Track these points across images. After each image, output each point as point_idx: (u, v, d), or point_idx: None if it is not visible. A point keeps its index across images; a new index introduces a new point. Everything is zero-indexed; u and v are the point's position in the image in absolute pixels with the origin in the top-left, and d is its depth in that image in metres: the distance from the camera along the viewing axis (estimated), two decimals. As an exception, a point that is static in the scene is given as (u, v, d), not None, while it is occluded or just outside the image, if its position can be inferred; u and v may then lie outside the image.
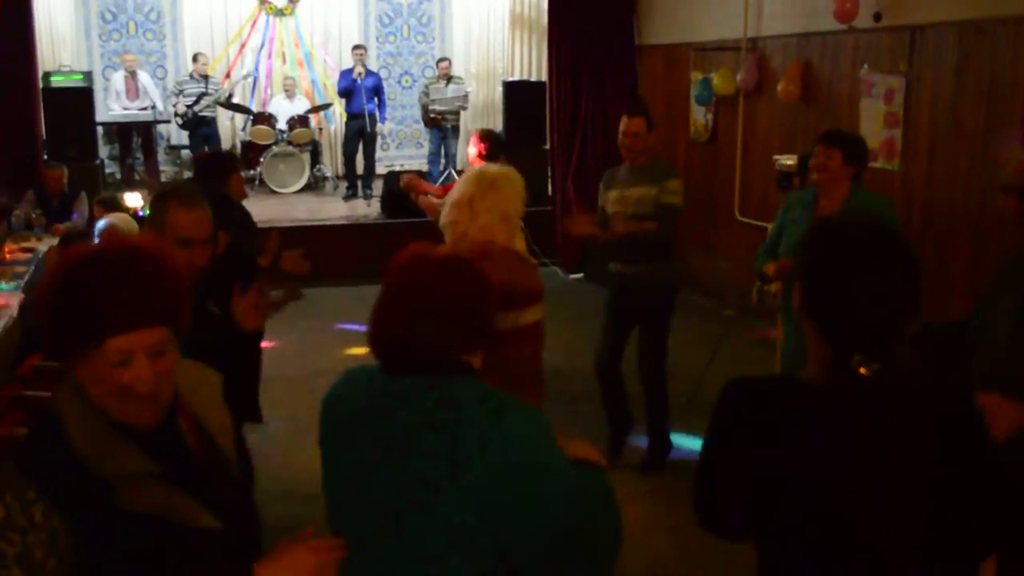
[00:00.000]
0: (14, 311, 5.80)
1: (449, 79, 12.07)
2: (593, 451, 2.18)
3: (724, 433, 1.88)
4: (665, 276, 5.27)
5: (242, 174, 5.07)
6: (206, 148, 11.72)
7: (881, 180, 7.01)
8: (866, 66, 7.14)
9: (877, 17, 6.90)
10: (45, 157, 9.44)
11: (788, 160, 6.48)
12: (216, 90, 11.84)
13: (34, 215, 8.11)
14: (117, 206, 7.66)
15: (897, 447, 1.76)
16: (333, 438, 2.12)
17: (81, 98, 10.35)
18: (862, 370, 1.76)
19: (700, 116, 9.35)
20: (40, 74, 10.23)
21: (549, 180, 10.80)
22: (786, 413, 1.80)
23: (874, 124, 7.09)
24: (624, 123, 5.24)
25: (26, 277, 6.64)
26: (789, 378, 1.94)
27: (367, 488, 1.98)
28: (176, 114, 11.63)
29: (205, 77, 11.74)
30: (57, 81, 10.84)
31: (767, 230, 7.55)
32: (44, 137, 9.77)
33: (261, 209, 9.00)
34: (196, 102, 11.52)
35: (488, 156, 5.90)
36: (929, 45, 6.62)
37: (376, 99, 11.70)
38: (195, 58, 11.89)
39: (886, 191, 6.95)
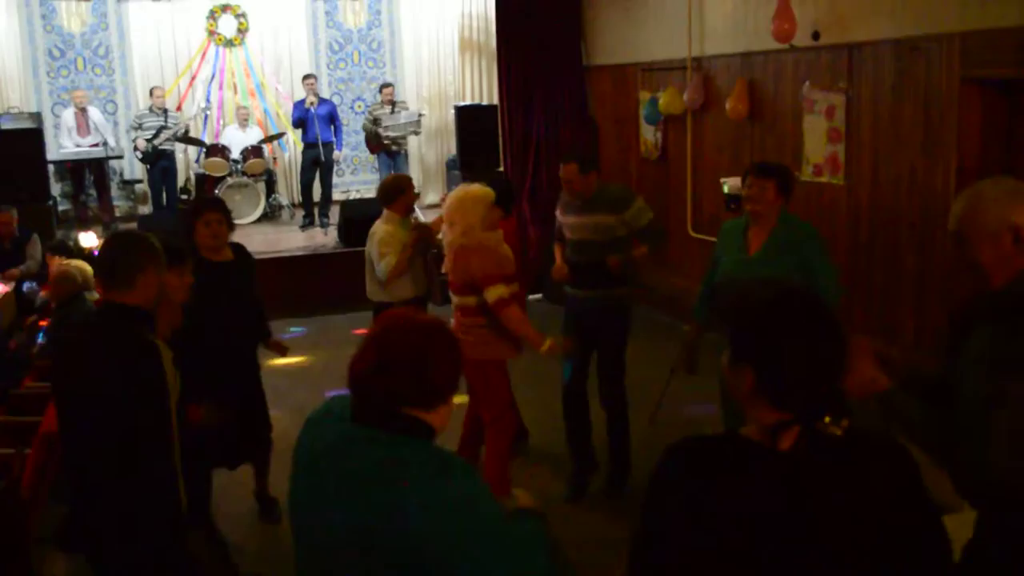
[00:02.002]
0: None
1: (394, 104, 12.14)
2: (530, 500, 2.26)
3: (659, 502, 1.91)
4: (621, 296, 5.40)
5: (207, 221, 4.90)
6: (163, 183, 11.71)
7: (827, 194, 7.19)
8: (807, 83, 7.31)
9: (815, 36, 7.08)
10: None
11: (734, 181, 6.62)
12: (176, 123, 11.82)
13: None
14: (69, 249, 7.63)
15: (853, 509, 1.82)
16: (298, 467, 2.23)
17: (31, 138, 10.29)
18: (835, 430, 1.83)
19: (649, 135, 9.50)
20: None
21: (504, 202, 10.88)
22: (731, 480, 1.84)
23: (818, 140, 7.26)
24: (560, 170, 5.36)
25: (-17, 326, 6.62)
26: (736, 438, 1.96)
27: (317, 521, 2.11)
28: (136, 148, 11.59)
29: (164, 110, 11.72)
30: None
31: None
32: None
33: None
34: (156, 135, 11.50)
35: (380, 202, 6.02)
36: (867, 62, 6.80)
37: (332, 126, 11.74)
38: (152, 92, 11.86)
39: (832, 205, 7.14)
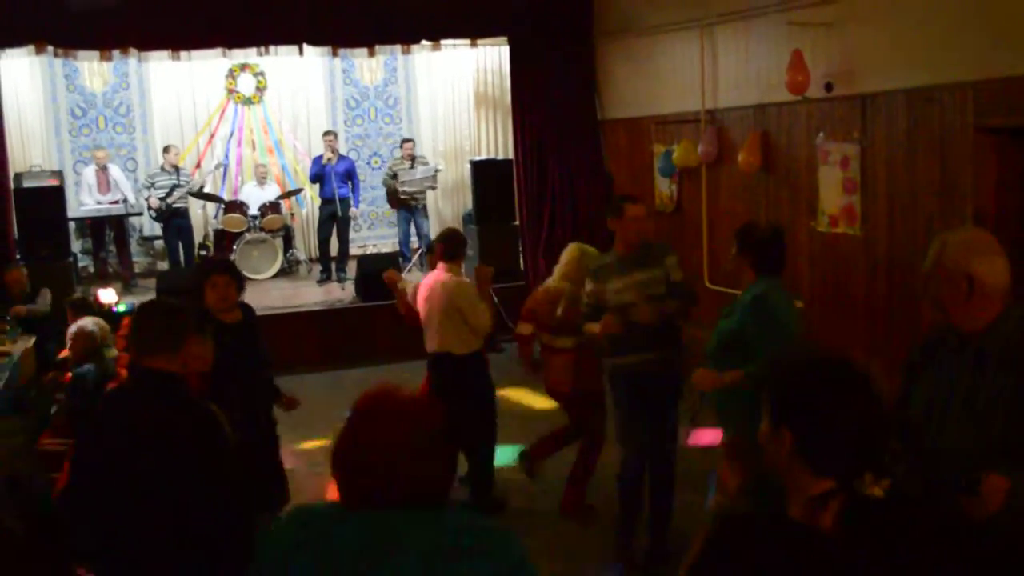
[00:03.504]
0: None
1: (413, 159, 12.25)
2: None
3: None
4: (680, 354, 5.26)
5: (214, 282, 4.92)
6: (179, 240, 11.80)
7: (843, 245, 7.18)
8: (821, 135, 7.34)
9: (828, 87, 7.13)
10: (17, 257, 9.46)
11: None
12: (188, 181, 11.94)
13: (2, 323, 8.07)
14: (88, 306, 7.67)
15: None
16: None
17: (53, 196, 10.41)
18: (875, 490, 1.84)
19: (664, 187, 9.54)
20: (11, 175, 10.32)
21: (520, 255, 10.92)
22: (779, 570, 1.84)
23: (833, 190, 7.27)
24: (628, 210, 5.10)
25: (2, 381, 6.64)
26: (782, 519, 1.95)
27: None
28: (149, 207, 11.72)
29: (176, 168, 11.85)
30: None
31: (735, 297, 7.69)
32: (16, 237, 9.80)
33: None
34: (169, 194, 11.61)
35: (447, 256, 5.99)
36: (880, 112, 6.83)
37: (349, 183, 11.83)
38: (166, 150, 12.01)
39: (849, 256, 7.13)
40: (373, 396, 2.11)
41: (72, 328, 6.33)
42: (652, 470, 5.31)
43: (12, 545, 3.43)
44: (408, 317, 6.14)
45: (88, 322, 6.36)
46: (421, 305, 5.96)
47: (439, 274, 5.92)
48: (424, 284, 6.00)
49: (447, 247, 6.01)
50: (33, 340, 8.00)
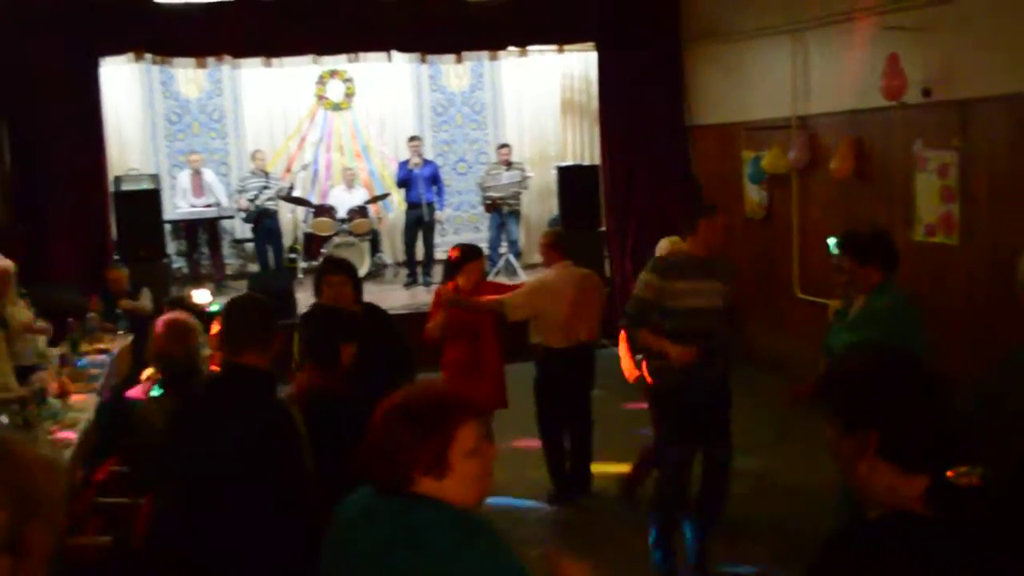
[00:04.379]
0: (91, 415, 5.95)
1: (509, 164, 12.29)
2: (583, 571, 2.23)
3: None
4: (729, 366, 5.27)
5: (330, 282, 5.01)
6: (269, 243, 12.03)
7: (940, 255, 6.98)
8: (919, 141, 7.15)
9: (926, 93, 6.94)
10: (116, 258, 9.75)
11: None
12: (276, 184, 12.18)
13: (105, 324, 8.30)
14: (185, 305, 7.85)
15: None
16: (330, 544, 2.32)
17: (149, 199, 10.72)
18: (971, 480, 1.78)
19: (754, 194, 9.40)
20: (111, 179, 10.65)
21: (606, 262, 10.87)
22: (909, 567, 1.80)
23: (930, 199, 7.08)
24: (715, 217, 5.10)
25: (101, 379, 6.83)
26: (890, 521, 1.89)
27: None
28: (240, 209, 11.97)
29: (265, 172, 12.10)
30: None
31: (828, 308, 7.55)
32: (115, 239, 10.11)
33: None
34: (257, 196, 11.86)
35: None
36: (981, 119, 6.63)
37: (434, 187, 11.93)
38: (253, 155, 12.28)
39: (946, 266, 6.92)
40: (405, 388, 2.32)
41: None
42: (705, 481, 5.25)
43: None
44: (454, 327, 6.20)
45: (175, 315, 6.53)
46: (568, 297, 6.11)
47: (572, 269, 6.27)
48: (558, 279, 6.25)
49: (558, 244, 6.41)
50: (131, 338, 8.21)
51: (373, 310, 5.14)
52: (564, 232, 6.67)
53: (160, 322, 4.52)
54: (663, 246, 6.04)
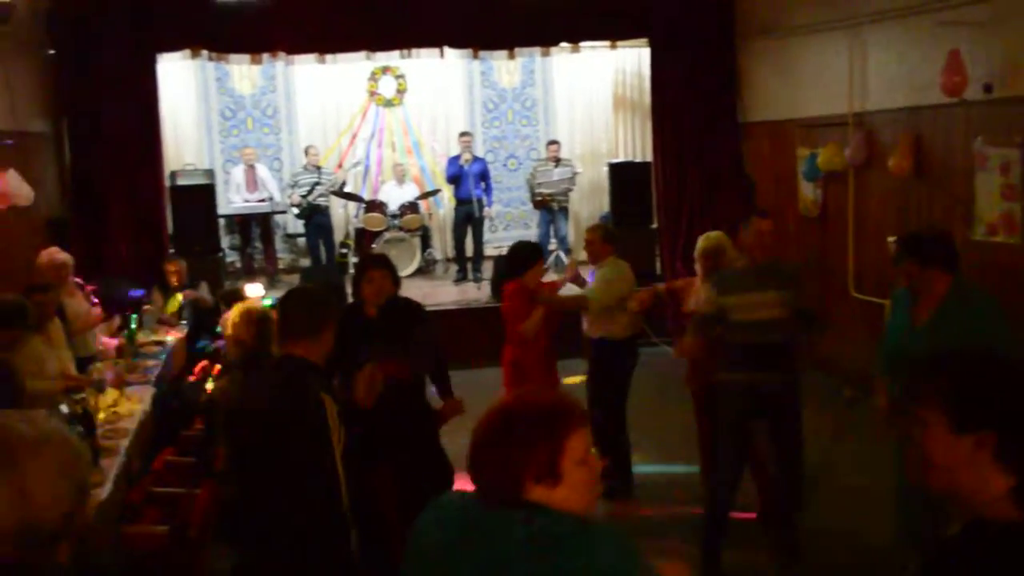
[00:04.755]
0: (148, 406, 6.05)
1: (558, 161, 12.25)
2: (684, 572, 2.21)
3: None
4: (797, 377, 5.14)
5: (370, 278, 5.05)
6: (320, 238, 12.11)
7: (1001, 255, 6.84)
8: (980, 139, 7.01)
9: (988, 89, 6.79)
10: (171, 251, 9.89)
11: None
12: (329, 180, 12.26)
13: (163, 316, 8.44)
14: (238, 299, 7.93)
15: None
16: (422, 565, 2.17)
17: (204, 194, 10.86)
18: None
19: (809, 192, 9.28)
20: (167, 173, 10.81)
21: (658, 259, 10.81)
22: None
23: (991, 197, 6.94)
24: (753, 224, 5.09)
25: (157, 371, 6.93)
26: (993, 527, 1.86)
27: None
28: (292, 205, 12.08)
29: (318, 168, 12.18)
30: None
31: (884, 308, 7.42)
32: (171, 233, 10.25)
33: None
34: (310, 192, 11.94)
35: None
36: (1045, 116, 6.48)
37: (483, 184, 11.94)
38: (306, 150, 12.37)
39: (1008, 266, 6.78)
40: (509, 395, 2.24)
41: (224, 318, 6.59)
42: (771, 490, 5.27)
43: None
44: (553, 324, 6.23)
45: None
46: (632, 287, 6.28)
47: (621, 261, 6.46)
48: (624, 270, 6.50)
49: (610, 240, 6.53)
50: (186, 331, 8.33)
51: (396, 308, 5.11)
52: (613, 227, 6.73)
53: (235, 309, 4.88)
54: (700, 243, 6.03)
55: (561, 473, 2.06)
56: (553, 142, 12.62)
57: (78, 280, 7.46)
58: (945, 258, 4.26)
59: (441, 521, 2.17)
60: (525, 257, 6.29)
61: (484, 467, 2.09)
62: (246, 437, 3.35)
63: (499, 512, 2.05)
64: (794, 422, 5.15)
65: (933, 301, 4.26)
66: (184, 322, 8.47)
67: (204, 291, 8.89)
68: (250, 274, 12.13)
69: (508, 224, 14.24)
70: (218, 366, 6.22)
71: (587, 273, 6.78)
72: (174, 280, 8.84)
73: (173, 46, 10.06)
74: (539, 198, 12.18)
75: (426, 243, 12.86)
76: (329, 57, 11.01)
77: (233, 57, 10.84)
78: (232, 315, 4.85)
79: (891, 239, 7.50)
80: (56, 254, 7.19)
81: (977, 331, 4.09)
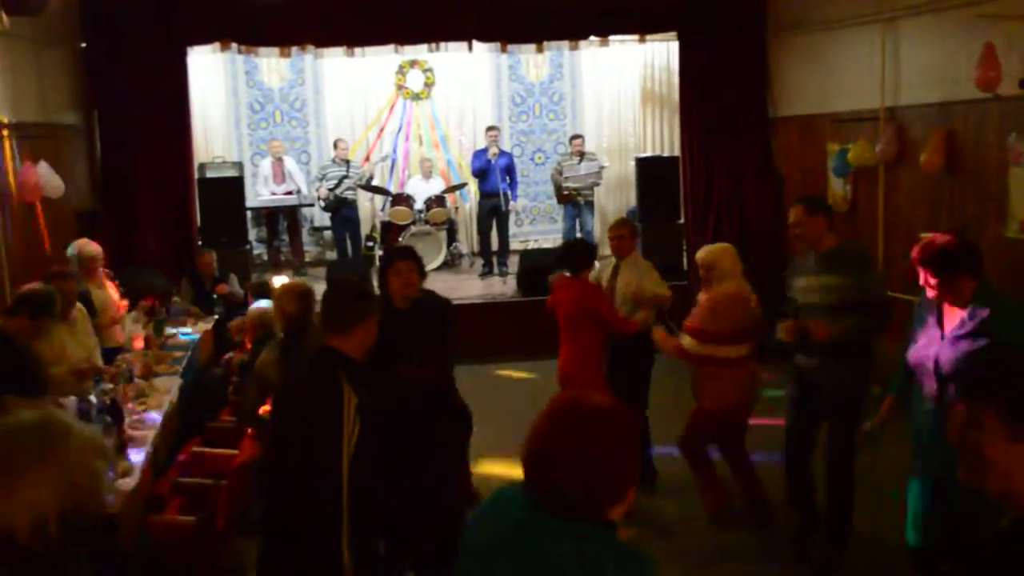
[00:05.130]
0: (174, 396, 6.08)
1: (582, 156, 12.21)
2: None
3: None
4: (855, 373, 4.95)
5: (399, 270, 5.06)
6: (347, 231, 12.14)
7: (1035, 252, 6.75)
8: (1014, 134, 6.91)
9: (1023, 84, 6.69)
10: (200, 244, 9.94)
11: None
12: (356, 173, 12.28)
13: (191, 308, 8.49)
14: (268, 291, 7.97)
15: None
16: (470, 555, 2.17)
17: (233, 186, 10.90)
18: None
19: (838, 187, 9.19)
20: (196, 165, 10.86)
21: (684, 255, 10.75)
22: None
23: (1025, 194, 6.84)
24: (789, 214, 5.07)
25: (184, 362, 6.96)
26: None
27: None
28: (319, 198, 12.11)
29: (346, 161, 12.20)
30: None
31: (913, 305, 7.33)
32: (199, 225, 10.31)
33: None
34: (338, 185, 11.96)
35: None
36: (1082, 111, 6.38)
37: (508, 178, 11.92)
38: (335, 144, 12.40)
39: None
40: (567, 397, 2.13)
41: (251, 307, 6.62)
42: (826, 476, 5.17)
43: None
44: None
45: (264, 304, 6.62)
46: None
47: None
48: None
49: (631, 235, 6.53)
50: (213, 322, 8.38)
51: (423, 302, 5.10)
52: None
53: (281, 287, 5.43)
54: (698, 254, 5.96)
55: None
56: (576, 136, 12.58)
57: (108, 271, 7.52)
58: (969, 264, 4.08)
59: (490, 515, 2.16)
60: (590, 256, 6.31)
61: (578, 476, 1.98)
62: (277, 422, 3.43)
63: (553, 520, 2.00)
64: (838, 420, 4.99)
65: (959, 310, 4.10)
66: (216, 316, 8.52)
67: (233, 284, 8.95)
68: (277, 267, 12.20)
69: (534, 219, 14.22)
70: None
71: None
72: (205, 271, 8.90)
73: (203, 39, 10.10)
74: (565, 192, 12.15)
75: (452, 237, 12.87)
76: (357, 50, 11.02)
77: (262, 50, 10.86)
78: (277, 290, 5.35)
79: (923, 236, 7.39)
80: (87, 245, 7.25)
81: (1005, 335, 3.92)
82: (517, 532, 2.03)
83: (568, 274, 6.14)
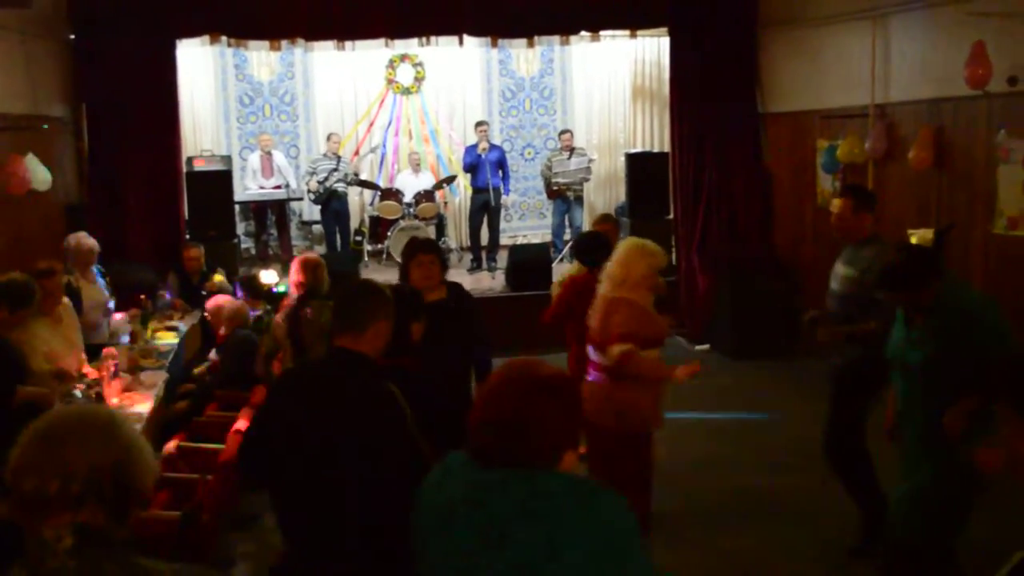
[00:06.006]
0: (160, 391, 6.05)
1: (572, 151, 12.20)
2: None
3: None
4: (873, 359, 4.85)
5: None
6: (337, 225, 12.10)
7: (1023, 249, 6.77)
8: (1003, 131, 6.93)
9: (1012, 81, 6.70)
10: (187, 237, 9.89)
11: (923, 234, 6.30)
12: (346, 167, 12.24)
13: (176, 302, 8.44)
14: (257, 286, 7.95)
15: None
16: (428, 524, 2.23)
17: (221, 180, 10.85)
18: None
19: (827, 184, 9.21)
20: (184, 159, 10.81)
21: (673, 251, 10.75)
22: None
23: (1013, 191, 6.86)
24: (833, 205, 5.18)
25: (170, 356, 6.93)
26: None
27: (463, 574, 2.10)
28: (309, 191, 12.07)
29: (337, 156, 12.16)
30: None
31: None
32: (186, 218, 10.25)
33: (389, 281, 9.20)
34: (327, 178, 11.92)
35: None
36: (1070, 109, 6.39)
37: (500, 172, 11.90)
38: (328, 137, 12.36)
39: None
40: (510, 363, 2.25)
41: (210, 305, 6.85)
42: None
43: None
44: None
45: (222, 299, 6.99)
46: None
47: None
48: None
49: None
50: (200, 316, 8.33)
51: (457, 289, 5.14)
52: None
53: (296, 259, 6.12)
54: None
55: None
56: (566, 131, 12.58)
57: (100, 267, 7.48)
58: (933, 274, 4.05)
59: (442, 483, 2.22)
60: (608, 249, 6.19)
61: (519, 432, 2.09)
62: (294, 429, 3.16)
63: (500, 472, 2.09)
64: (838, 406, 5.11)
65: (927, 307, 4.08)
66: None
67: (220, 276, 8.90)
68: (265, 261, 12.13)
69: (523, 214, 14.21)
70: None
71: None
72: (192, 266, 8.84)
73: (192, 32, 10.05)
74: (555, 187, 12.14)
75: (441, 232, 12.83)
76: (348, 44, 10.97)
77: (252, 43, 10.82)
78: (293, 264, 6.07)
79: (910, 232, 7.43)
80: (84, 239, 7.21)
81: (965, 333, 3.93)
82: (473, 491, 2.11)
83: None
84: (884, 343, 4.44)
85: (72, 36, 9.47)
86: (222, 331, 6.94)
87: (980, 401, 3.74)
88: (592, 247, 6.08)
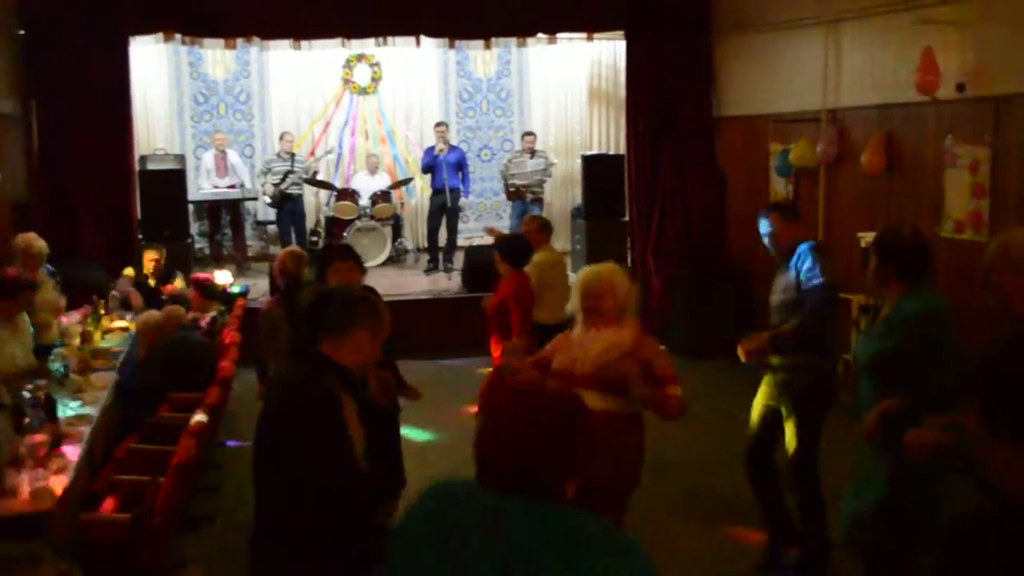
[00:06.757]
0: (111, 392, 5.97)
1: (533, 153, 12.24)
2: None
3: None
4: (814, 371, 4.86)
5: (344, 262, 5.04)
6: (292, 225, 12.02)
7: (969, 253, 6.88)
8: (950, 137, 7.06)
9: (960, 88, 6.84)
10: (139, 237, 9.77)
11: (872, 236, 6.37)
12: (301, 167, 12.17)
13: (132, 294, 8.33)
14: (212, 286, 7.89)
15: None
16: (427, 551, 2.09)
17: (174, 179, 10.74)
18: None
19: (780, 187, 9.31)
20: (137, 157, 10.67)
21: (628, 252, 10.82)
22: None
23: (960, 195, 6.99)
24: (771, 218, 5.11)
25: (121, 357, 6.84)
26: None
27: None
28: (264, 193, 11.98)
29: (291, 155, 12.08)
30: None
31: (852, 303, 7.44)
32: (139, 218, 10.12)
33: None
34: (283, 180, 11.84)
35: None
36: (1015, 115, 6.53)
37: (460, 173, 11.90)
38: (281, 136, 12.27)
39: (975, 263, 6.78)
40: (521, 383, 2.19)
41: (142, 318, 6.86)
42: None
43: None
44: None
45: (153, 313, 6.93)
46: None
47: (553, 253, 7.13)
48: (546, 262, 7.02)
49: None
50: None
51: (373, 294, 5.12)
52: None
53: (283, 251, 6.44)
54: None
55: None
56: (528, 133, 12.61)
57: (51, 268, 7.37)
58: (908, 265, 4.08)
59: (443, 509, 2.11)
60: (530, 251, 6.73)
61: (533, 457, 2.02)
62: (259, 429, 3.24)
63: (523, 503, 2.01)
64: (794, 420, 4.91)
65: (890, 305, 4.10)
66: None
67: (179, 281, 8.79)
68: (219, 261, 12.04)
69: (480, 215, 14.21)
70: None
71: None
72: (153, 268, 8.69)
73: (146, 29, 9.92)
74: (512, 189, 12.17)
75: (397, 233, 12.81)
76: (304, 43, 10.91)
77: (207, 41, 10.72)
78: (280, 255, 6.32)
79: (859, 235, 7.53)
80: (35, 240, 7.09)
81: (910, 339, 3.95)
82: (489, 518, 2.02)
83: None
84: (814, 346, 4.56)
85: (22, 31, 9.31)
86: (143, 345, 6.71)
87: (902, 402, 3.82)
88: (521, 250, 6.66)
